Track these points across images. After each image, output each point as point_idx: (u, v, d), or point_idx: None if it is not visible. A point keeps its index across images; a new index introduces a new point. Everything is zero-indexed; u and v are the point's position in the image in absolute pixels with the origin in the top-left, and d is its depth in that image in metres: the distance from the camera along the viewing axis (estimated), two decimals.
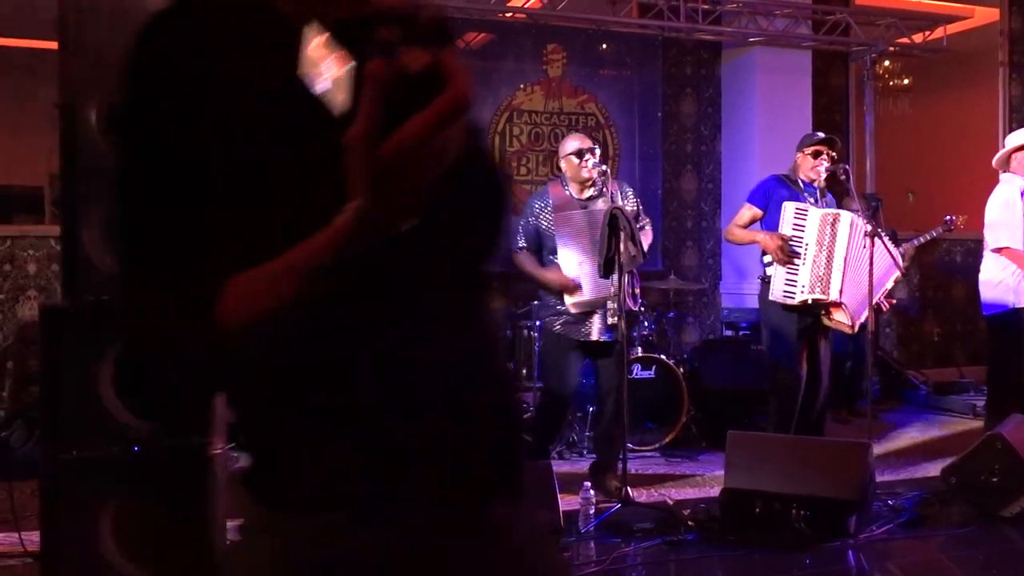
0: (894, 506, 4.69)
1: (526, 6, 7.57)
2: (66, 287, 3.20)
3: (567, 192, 5.07)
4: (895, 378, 8.30)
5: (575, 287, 4.93)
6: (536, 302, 5.48)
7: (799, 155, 5.40)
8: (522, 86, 7.85)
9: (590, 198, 5.04)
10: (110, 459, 3.10)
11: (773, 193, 5.36)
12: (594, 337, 4.99)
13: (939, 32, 8.49)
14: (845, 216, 5.18)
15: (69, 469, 3.07)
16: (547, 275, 5.01)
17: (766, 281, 5.31)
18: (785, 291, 5.18)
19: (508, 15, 7.54)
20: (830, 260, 5.12)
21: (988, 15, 9.37)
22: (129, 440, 3.11)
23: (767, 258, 5.30)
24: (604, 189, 5.03)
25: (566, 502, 4.15)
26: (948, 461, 4.97)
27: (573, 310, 4.97)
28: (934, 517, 4.58)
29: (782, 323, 5.28)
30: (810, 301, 5.16)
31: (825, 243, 5.13)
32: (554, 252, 4.99)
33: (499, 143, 7.79)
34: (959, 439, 6.43)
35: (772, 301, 5.26)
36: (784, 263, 5.17)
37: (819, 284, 5.12)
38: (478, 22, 7.61)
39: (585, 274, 4.94)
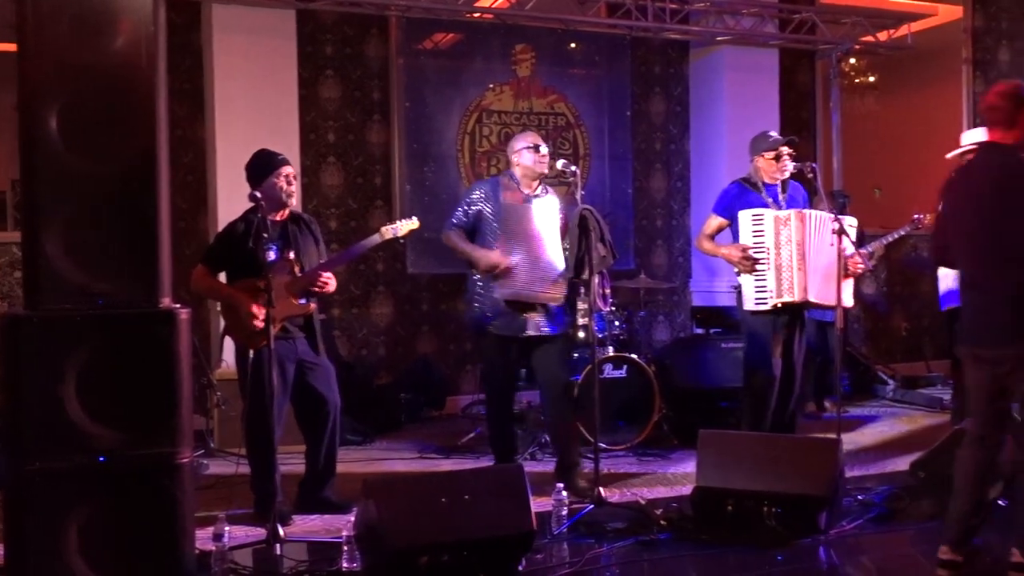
0: (864, 501, 4.72)
1: (494, 6, 7.55)
2: (28, 296, 3.15)
3: (516, 187, 5.11)
4: (864, 373, 8.37)
5: (505, 267, 4.93)
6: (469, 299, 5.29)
7: (758, 159, 5.39)
8: (491, 86, 7.84)
9: (536, 196, 5.10)
10: (76, 470, 3.06)
11: (737, 201, 5.36)
12: (530, 332, 5.00)
13: (903, 30, 8.56)
14: (795, 214, 5.19)
15: (33, 480, 3.03)
16: (478, 253, 5.02)
17: (739, 291, 5.34)
18: (756, 299, 5.20)
19: (476, 15, 7.52)
20: (790, 261, 5.13)
21: (951, 13, 9.47)
22: (95, 450, 3.07)
23: (736, 268, 5.32)
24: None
25: (538, 503, 4.14)
26: (916, 455, 5.02)
27: (496, 294, 4.96)
28: (903, 511, 4.62)
29: (757, 328, 5.29)
30: (779, 306, 5.18)
31: (782, 245, 5.14)
32: (494, 239, 5.01)
33: (469, 144, 7.77)
34: (927, 433, 6.49)
35: (740, 313, 5.32)
36: (751, 272, 5.19)
37: (785, 287, 5.13)
38: (446, 22, 7.59)
39: (517, 268, 4.96)
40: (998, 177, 3.69)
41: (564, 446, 5.14)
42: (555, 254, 5.08)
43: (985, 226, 3.72)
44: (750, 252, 5.18)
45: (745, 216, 5.24)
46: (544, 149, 5.10)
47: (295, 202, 4.80)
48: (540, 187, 5.14)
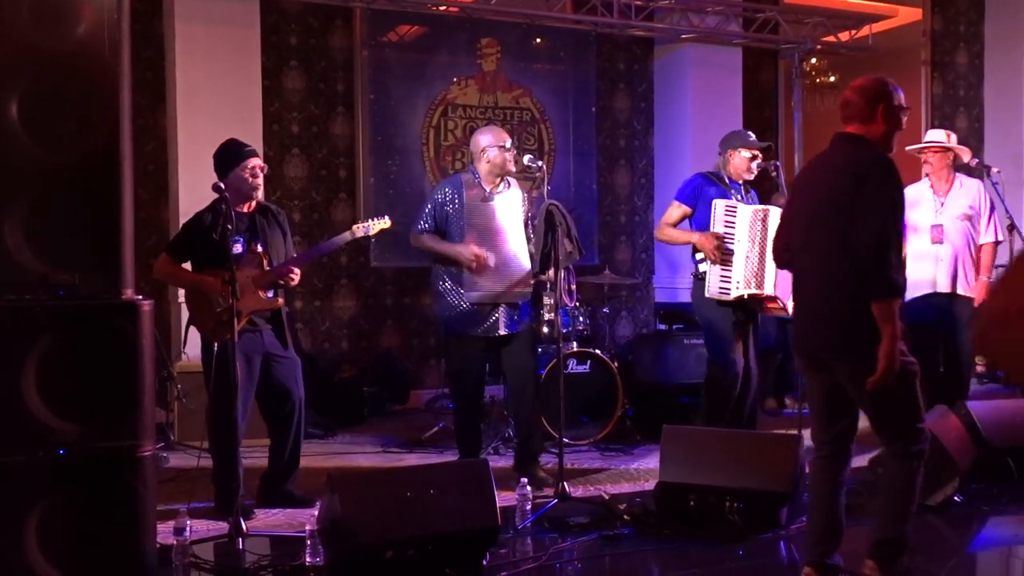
0: None
1: None
2: None
3: (478, 183, 5.09)
4: None
5: (484, 260, 4.93)
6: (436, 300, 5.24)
7: (731, 153, 5.42)
8: (456, 80, 7.81)
9: (499, 192, 5.11)
10: (35, 463, 3.01)
11: (701, 191, 5.38)
12: (501, 332, 5.02)
13: (864, 31, 8.67)
14: (774, 211, 5.23)
15: None
16: (454, 247, 5.01)
17: (700, 278, 5.34)
18: (720, 288, 5.23)
19: (442, 8, 7.49)
20: (762, 255, 5.18)
21: (911, 15, 9.59)
22: (55, 443, 3.02)
23: (699, 255, 5.33)
24: (508, 184, 5.13)
25: (502, 498, 4.13)
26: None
27: (464, 296, 4.97)
28: (862, 507, 4.64)
29: (717, 319, 5.33)
30: (746, 296, 5.22)
31: (756, 239, 5.20)
32: (460, 239, 5.02)
33: (434, 137, 7.75)
34: None
35: (707, 298, 5.29)
36: (720, 262, 5.21)
37: (754, 279, 5.19)
38: (411, 15, 7.55)
39: (488, 266, 4.98)
40: (851, 171, 3.32)
41: (527, 436, 5.16)
42: (520, 250, 5.09)
43: (832, 223, 3.33)
44: (724, 243, 5.19)
45: (720, 205, 5.25)
46: (511, 146, 5.10)
47: (260, 193, 4.74)
48: (503, 182, 5.13)
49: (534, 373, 5.18)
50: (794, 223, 3.58)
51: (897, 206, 3.30)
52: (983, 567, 4.30)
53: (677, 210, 5.45)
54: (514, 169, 5.10)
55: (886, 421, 3.45)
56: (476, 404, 5.22)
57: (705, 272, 5.29)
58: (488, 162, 5.08)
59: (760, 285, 5.19)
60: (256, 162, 4.61)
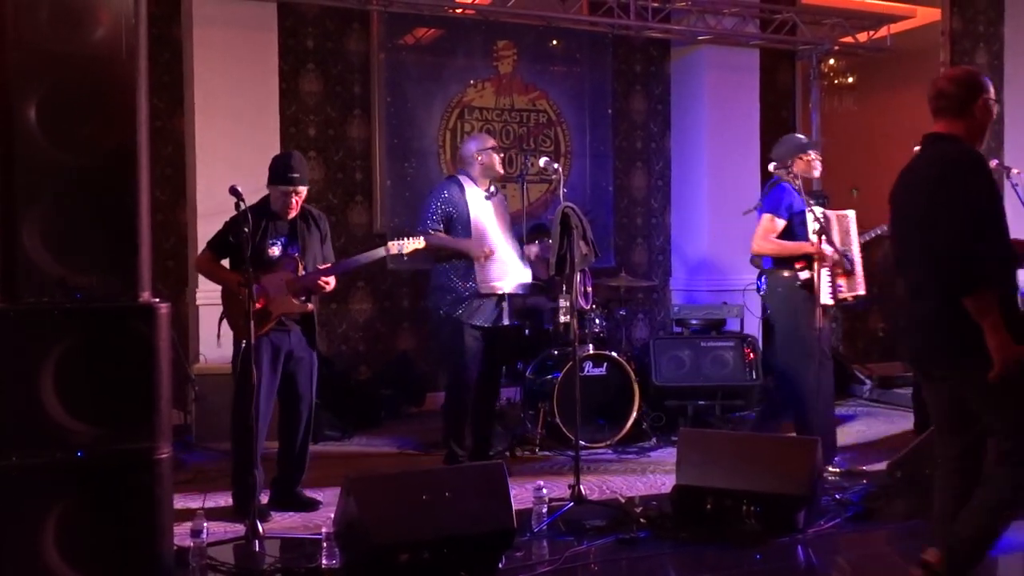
0: (841, 500, 4.74)
1: (475, 2, 7.53)
2: (5, 288, 3.11)
3: (475, 186, 5.39)
4: (841, 373, 8.40)
5: (490, 251, 5.26)
6: (439, 289, 5.41)
7: (801, 157, 5.35)
8: (472, 82, 7.82)
9: (492, 194, 5.45)
10: (53, 464, 3.03)
11: (791, 203, 5.26)
12: (505, 321, 5.36)
13: (883, 31, 8.62)
14: (850, 213, 5.46)
15: (9, 475, 2.99)
16: (465, 242, 5.27)
17: (805, 286, 5.19)
18: (832, 292, 5.26)
19: (458, 11, 7.50)
20: (852, 256, 5.35)
21: (930, 15, 9.53)
22: (73, 445, 3.04)
23: (798, 264, 5.22)
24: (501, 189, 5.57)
25: (518, 501, 4.13)
26: (894, 455, 5.06)
27: (471, 288, 5.25)
28: (880, 511, 4.65)
29: (810, 328, 5.16)
30: (851, 299, 5.39)
31: (844, 242, 5.35)
32: (467, 236, 5.30)
33: (450, 140, 7.75)
34: (904, 433, 6.54)
35: (802, 305, 5.19)
36: (842, 268, 5.27)
37: (854, 281, 5.35)
38: (428, 17, 7.56)
39: (495, 258, 5.31)
40: (931, 176, 3.26)
41: (486, 424, 5.53)
42: (516, 246, 5.48)
43: (915, 232, 3.27)
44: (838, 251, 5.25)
45: (810, 215, 5.18)
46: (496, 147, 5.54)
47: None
48: (492, 184, 5.47)
49: (498, 366, 5.63)
50: (896, 231, 3.50)
51: (981, 198, 3.15)
52: (1011, 570, 4.25)
53: (776, 223, 5.25)
54: (500, 171, 5.47)
55: (1002, 426, 3.16)
56: (470, 393, 5.39)
57: (808, 279, 5.17)
58: (482, 164, 5.37)
59: (861, 285, 5.39)
60: (294, 190, 4.55)
